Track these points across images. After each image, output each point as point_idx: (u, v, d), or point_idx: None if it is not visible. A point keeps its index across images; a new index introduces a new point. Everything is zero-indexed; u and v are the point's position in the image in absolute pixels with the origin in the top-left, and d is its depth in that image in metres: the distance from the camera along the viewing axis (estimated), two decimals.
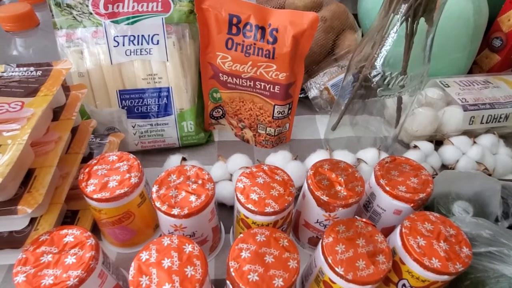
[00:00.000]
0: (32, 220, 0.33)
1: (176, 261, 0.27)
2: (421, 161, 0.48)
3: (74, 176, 0.37)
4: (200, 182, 0.34)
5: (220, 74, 0.47)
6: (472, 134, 0.53)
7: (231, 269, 0.27)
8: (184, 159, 0.45)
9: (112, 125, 0.48)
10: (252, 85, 0.47)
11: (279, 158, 0.46)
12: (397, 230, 0.32)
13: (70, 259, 0.27)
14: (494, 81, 0.58)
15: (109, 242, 0.39)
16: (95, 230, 0.40)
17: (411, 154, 0.48)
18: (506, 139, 0.54)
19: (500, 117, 0.53)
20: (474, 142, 0.51)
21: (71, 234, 0.28)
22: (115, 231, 0.36)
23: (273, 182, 0.34)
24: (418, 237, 0.30)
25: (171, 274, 0.26)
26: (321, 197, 0.33)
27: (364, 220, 0.32)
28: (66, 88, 0.41)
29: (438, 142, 0.53)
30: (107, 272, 0.29)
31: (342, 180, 0.35)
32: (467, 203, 0.38)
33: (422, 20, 0.38)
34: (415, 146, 0.49)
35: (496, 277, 0.32)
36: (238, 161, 0.45)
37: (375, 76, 0.43)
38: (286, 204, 0.32)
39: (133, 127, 0.48)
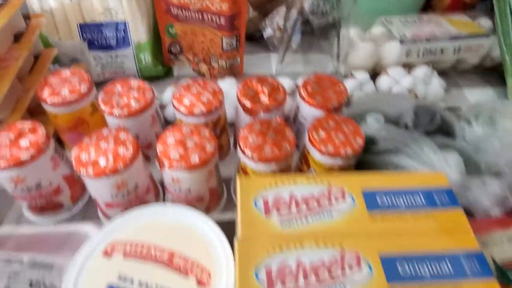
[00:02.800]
0: None
1: (111, 144, 0.33)
2: (356, 88, 0.53)
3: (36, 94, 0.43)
4: (141, 92, 0.39)
5: (171, 7, 0.51)
6: (410, 68, 0.57)
7: (158, 152, 0.33)
8: None
9: (75, 56, 0.52)
10: (201, 18, 0.51)
11: (226, 84, 0.51)
12: (307, 128, 0.38)
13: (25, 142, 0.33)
14: (438, 20, 0.62)
15: (70, 149, 0.45)
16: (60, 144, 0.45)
17: (348, 83, 0.53)
18: (445, 74, 0.59)
19: (436, 51, 0.58)
20: (409, 73, 0.56)
21: (27, 126, 0.34)
22: (73, 137, 0.42)
23: (205, 92, 0.39)
24: (321, 130, 0.36)
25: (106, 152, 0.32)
26: (245, 103, 0.39)
27: (279, 120, 0.37)
28: (26, 16, 0.45)
29: (378, 75, 0.58)
30: (60, 160, 0.35)
31: (267, 91, 0.40)
32: (379, 114, 0.44)
33: None
34: (351, 75, 0.54)
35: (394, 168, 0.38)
36: None
37: (309, 6, 0.47)
38: (213, 109, 0.38)
39: (95, 59, 0.53)
